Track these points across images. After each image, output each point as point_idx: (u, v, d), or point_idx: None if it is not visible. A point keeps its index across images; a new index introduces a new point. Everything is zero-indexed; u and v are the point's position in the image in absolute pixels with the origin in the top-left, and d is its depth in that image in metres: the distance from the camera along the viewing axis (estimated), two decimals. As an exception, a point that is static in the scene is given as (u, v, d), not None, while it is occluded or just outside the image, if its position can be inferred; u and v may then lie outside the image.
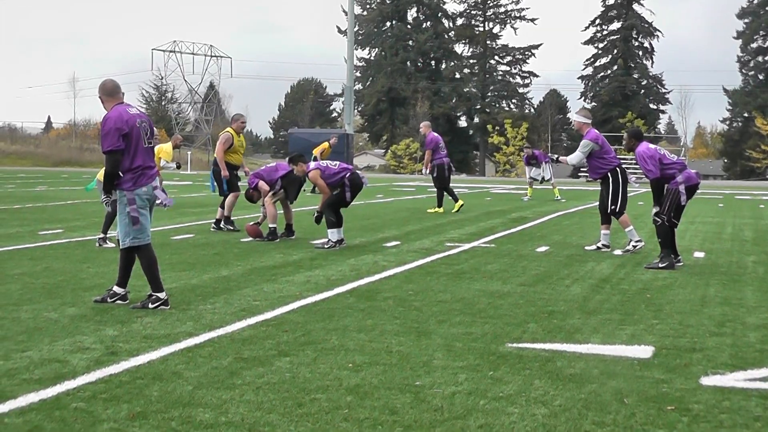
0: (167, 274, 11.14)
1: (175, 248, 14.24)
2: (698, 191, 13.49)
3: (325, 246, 14.57)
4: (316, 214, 15.12)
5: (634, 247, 14.51)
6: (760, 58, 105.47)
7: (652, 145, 13.13)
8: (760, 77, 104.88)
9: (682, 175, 12.78)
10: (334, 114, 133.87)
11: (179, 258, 12.97)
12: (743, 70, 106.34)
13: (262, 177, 15.83)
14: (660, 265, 12.62)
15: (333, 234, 14.69)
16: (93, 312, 8.71)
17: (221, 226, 17.38)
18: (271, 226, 15.63)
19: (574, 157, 14.77)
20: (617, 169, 14.53)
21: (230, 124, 18.30)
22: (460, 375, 6.43)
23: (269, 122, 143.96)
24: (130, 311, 8.73)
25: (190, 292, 9.93)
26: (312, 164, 15.35)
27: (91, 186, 14.96)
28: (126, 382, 6.15)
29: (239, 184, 17.88)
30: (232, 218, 17.63)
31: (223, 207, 17.59)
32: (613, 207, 14.55)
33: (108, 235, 14.40)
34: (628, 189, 14.63)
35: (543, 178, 32.90)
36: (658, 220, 12.81)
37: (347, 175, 14.86)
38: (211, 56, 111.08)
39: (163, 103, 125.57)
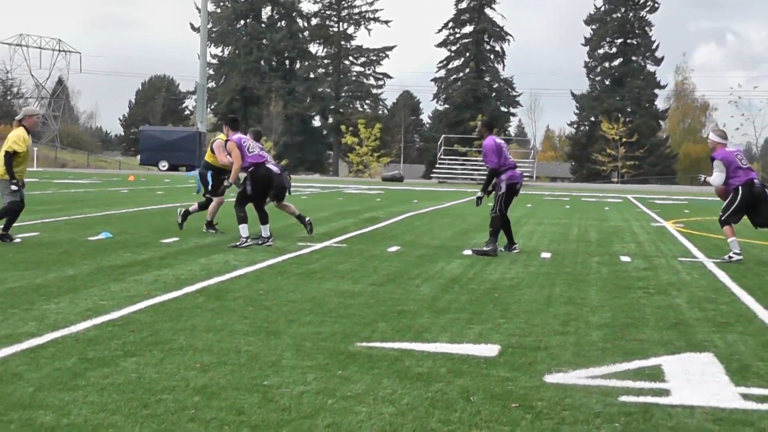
0: (9, 273, 10.85)
1: (19, 247, 13.85)
2: (521, 191, 15.37)
3: (239, 245, 14.47)
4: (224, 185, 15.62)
5: (730, 258, 14.48)
6: (606, 64, 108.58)
7: (498, 139, 14.77)
8: (606, 82, 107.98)
9: (506, 174, 14.79)
10: (187, 112, 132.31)
11: (23, 256, 12.62)
12: (590, 75, 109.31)
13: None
14: (485, 248, 14.56)
15: (243, 230, 14.63)
16: (-70, 312, 8.41)
17: (205, 230, 17.00)
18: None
19: (716, 178, 14.71)
20: (740, 187, 14.54)
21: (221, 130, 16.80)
22: (308, 374, 6.41)
23: (119, 119, 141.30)
24: (-31, 311, 8.45)
25: (34, 292, 9.66)
26: (236, 136, 15.12)
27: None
28: (-37, 384, 5.95)
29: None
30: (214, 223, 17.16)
31: (205, 209, 17.15)
32: (721, 215, 14.71)
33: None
34: (743, 205, 14.59)
35: None
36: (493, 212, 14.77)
37: (251, 168, 14.80)
38: (60, 51, 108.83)
39: (8, 98, 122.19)
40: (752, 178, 14.51)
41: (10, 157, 14.23)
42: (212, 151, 16.87)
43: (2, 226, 14.43)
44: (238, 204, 14.92)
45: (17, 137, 14.29)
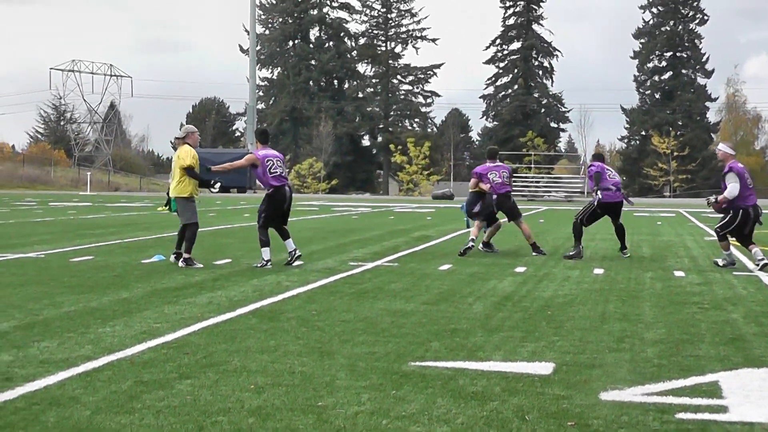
0: (65, 297, 10.96)
1: (74, 270, 13.99)
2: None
3: (257, 265, 14.62)
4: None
5: (758, 265, 15.06)
6: (656, 78, 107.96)
7: (598, 166, 17.61)
8: (656, 96, 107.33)
9: (603, 193, 17.30)
10: (237, 134, 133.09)
11: (78, 280, 12.74)
12: (640, 90, 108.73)
13: None
14: (571, 253, 16.90)
15: (265, 253, 14.72)
16: (-12, 337, 8.51)
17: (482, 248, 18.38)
18: None
19: (733, 189, 15.05)
20: (750, 209, 15.18)
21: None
22: (363, 395, 6.41)
23: (171, 142, 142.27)
24: (27, 336, 8.53)
25: (89, 315, 9.75)
26: (263, 152, 15.19)
27: None
28: (21, 408, 6.00)
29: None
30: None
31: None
32: (718, 230, 15.58)
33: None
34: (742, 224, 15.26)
35: None
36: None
37: (271, 190, 14.93)
38: (111, 75, 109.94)
39: (62, 124, 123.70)
40: (755, 200, 15.23)
41: (192, 169, 14.74)
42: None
43: (174, 251, 15.10)
44: (261, 228, 14.94)
45: (187, 153, 14.85)
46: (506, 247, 19.49)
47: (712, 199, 15.58)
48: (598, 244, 20.60)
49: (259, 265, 14.61)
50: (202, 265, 14.61)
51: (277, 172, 14.98)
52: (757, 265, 14.96)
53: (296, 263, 15.04)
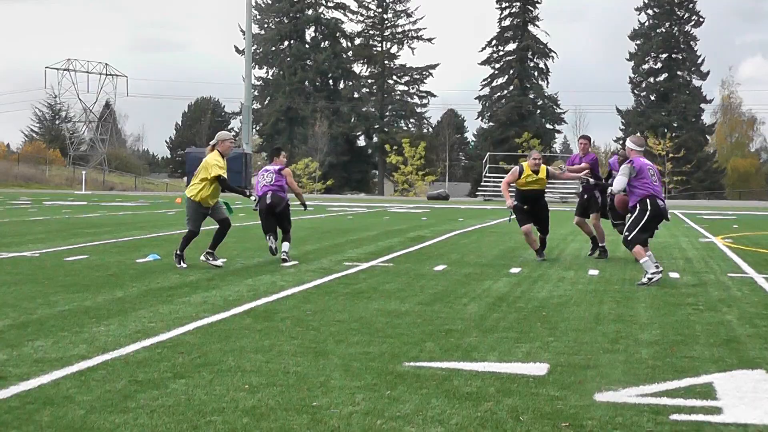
0: (59, 296, 10.95)
1: (69, 269, 13.98)
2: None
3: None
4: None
5: (649, 280, 13.21)
6: (651, 79, 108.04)
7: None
8: (652, 98, 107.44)
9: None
10: (233, 133, 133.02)
11: (73, 279, 12.73)
12: (635, 91, 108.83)
13: None
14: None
15: (269, 240, 15.81)
16: (-18, 336, 8.50)
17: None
18: None
19: (618, 182, 13.67)
20: (647, 199, 13.34)
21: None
22: (357, 395, 6.41)
23: (166, 141, 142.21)
24: (21, 335, 8.52)
25: (84, 314, 9.74)
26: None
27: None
28: (15, 407, 5.99)
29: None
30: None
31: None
32: (627, 234, 13.52)
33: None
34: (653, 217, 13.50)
35: None
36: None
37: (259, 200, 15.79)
38: (107, 75, 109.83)
39: (57, 122, 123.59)
40: (659, 193, 13.48)
41: (224, 179, 14.61)
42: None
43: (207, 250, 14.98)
44: (264, 233, 16.02)
45: (217, 161, 14.60)
46: (499, 248, 19.50)
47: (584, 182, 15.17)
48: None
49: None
50: (221, 263, 14.94)
51: (262, 183, 15.81)
52: (647, 282, 13.22)
53: (290, 263, 15.08)
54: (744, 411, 6.15)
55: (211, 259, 14.61)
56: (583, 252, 18.34)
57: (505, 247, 19.59)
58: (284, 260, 15.32)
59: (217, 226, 14.86)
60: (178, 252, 14.61)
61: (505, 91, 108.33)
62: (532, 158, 16.33)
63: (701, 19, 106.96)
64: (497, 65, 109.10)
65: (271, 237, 15.61)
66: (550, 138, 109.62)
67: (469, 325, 9.42)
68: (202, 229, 14.90)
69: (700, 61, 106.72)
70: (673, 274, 14.67)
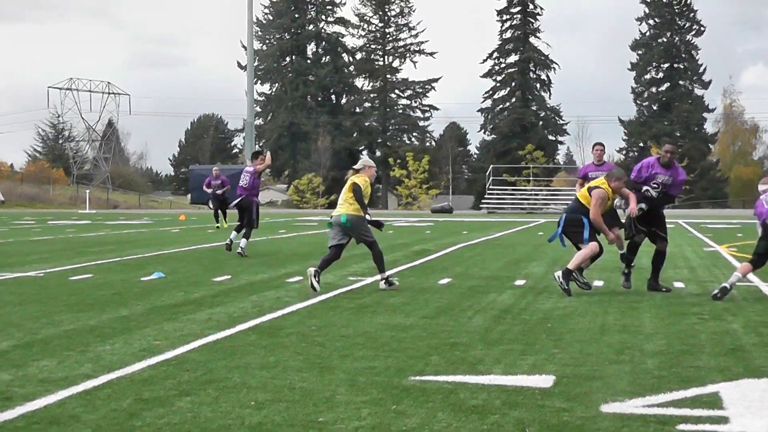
0: (64, 316, 10.95)
1: (73, 289, 13.98)
2: None
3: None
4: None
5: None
6: (653, 89, 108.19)
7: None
8: (654, 107, 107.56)
9: None
10: (236, 150, 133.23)
11: (77, 298, 12.73)
12: (637, 101, 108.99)
13: None
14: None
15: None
16: (-13, 356, 8.50)
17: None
18: None
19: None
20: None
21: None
22: (363, 410, 6.40)
23: (169, 159, 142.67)
24: (26, 355, 8.52)
25: (89, 333, 9.74)
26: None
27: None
28: (21, 427, 5.99)
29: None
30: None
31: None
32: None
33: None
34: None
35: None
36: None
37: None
38: (109, 93, 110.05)
39: (60, 142, 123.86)
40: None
41: (363, 199, 14.51)
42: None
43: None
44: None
45: (366, 181, 14.48)
46: (503, 261, 19.50)
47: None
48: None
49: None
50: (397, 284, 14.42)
51: (240, 183, 20.21)
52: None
53: (295, 278, 15.07)
54: (751, 420, 6.13)
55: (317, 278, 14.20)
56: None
57: (509, 260, 19.57)
58: (238, 250, 19.29)
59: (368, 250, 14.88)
60: (382, 276, 14.43)
61: (507, 103, 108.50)
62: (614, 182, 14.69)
63: (702, 29, 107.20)
64: (499, 77, 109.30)
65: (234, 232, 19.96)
66: (553, 149, 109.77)
67: (474, 338, 9.41)
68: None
69: (701, 70, 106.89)
70: (678, 284, 14.66)
